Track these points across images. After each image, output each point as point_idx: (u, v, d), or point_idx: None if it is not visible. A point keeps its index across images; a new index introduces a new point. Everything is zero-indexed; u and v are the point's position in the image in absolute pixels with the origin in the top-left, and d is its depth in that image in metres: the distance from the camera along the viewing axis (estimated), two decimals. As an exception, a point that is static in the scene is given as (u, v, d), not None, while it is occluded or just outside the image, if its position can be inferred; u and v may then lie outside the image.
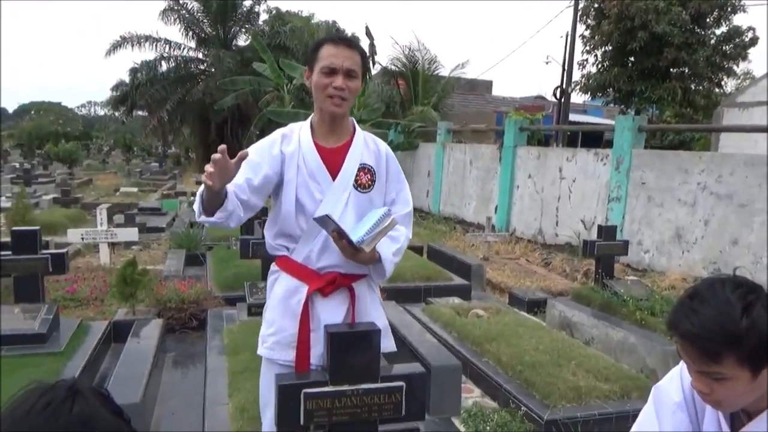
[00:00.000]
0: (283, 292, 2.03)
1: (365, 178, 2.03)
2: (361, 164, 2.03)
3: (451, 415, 3.31)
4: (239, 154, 1.74)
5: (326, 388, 1.91)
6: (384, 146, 2.13)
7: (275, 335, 2.02)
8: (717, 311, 1.16)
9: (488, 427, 3.21)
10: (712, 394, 1.22)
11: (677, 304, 1.25)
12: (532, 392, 3.43)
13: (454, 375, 3.42)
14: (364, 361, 1.94)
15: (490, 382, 3.73)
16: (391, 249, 2.01)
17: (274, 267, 2.10)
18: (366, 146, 2.08)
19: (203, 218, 1.86)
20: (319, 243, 1.98)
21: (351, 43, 2.00)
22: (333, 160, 2.00)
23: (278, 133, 2.05)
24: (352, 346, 1.93)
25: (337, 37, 2.09)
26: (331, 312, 2.01)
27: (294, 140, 2.02)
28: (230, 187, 1.83)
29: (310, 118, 2.09)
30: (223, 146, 1.71)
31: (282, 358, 2.01)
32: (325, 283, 1.99)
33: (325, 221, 1.86)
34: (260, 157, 1.98)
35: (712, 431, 1.34)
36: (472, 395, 3.75)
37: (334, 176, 1.99)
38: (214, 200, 1.80)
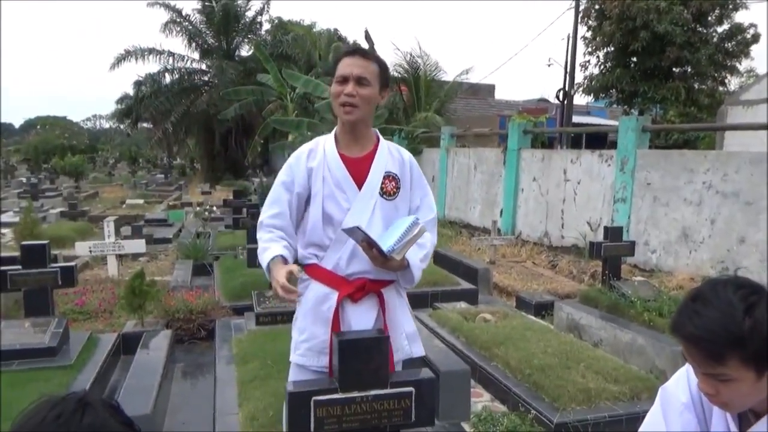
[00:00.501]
0: (314, 300, 2.07)
1: (390, 186, 2.07)
2: (386, 172, 2.07)
3: (460, 420, 3.31)
4: (290, 269, 1.92)
5: (336, 395, 1.92)
6: (407, 155, 2.18)
7: (307, 342, 2.07)
8: (719, 312, 1.16)
9: (498, 431, 3.21)
10: (718, 396, 1.22)
11: (680, 306, 1.25)
12: (542, 395, 3.43)
13: (463, 380, 3.43)
14: (374, 368, 1.95)
15: (499, 386, 3.73)
16: (418, 255, 2.06)
17: (303, 275, 2.14)
18: (390, 155, 2.12)
19: None
20: (348, 250, 2.02)
21: (366, 53, 2.05)
22: (358, 170, 2.04)
23: (305, 147, 2.12)
24: (361, 352, 1.94)
25: (354, 48, 2.14)
26: (361, 317, 2.05)
27: (319, 153, 2.07)
28: (283, 243, 2.06)
29: (334, 129, 2.14)
30: (291, 270, 1.92)
31: (315, 364, 2.06)
32: (355, 289, 2.03)
33: (354, 232, 1.90)
34: (290, 176, 2.07)
35: (720, 431, 1.34)
36: (481, 399, 3.75)
37: (359, 185, 2.03)
38: None
